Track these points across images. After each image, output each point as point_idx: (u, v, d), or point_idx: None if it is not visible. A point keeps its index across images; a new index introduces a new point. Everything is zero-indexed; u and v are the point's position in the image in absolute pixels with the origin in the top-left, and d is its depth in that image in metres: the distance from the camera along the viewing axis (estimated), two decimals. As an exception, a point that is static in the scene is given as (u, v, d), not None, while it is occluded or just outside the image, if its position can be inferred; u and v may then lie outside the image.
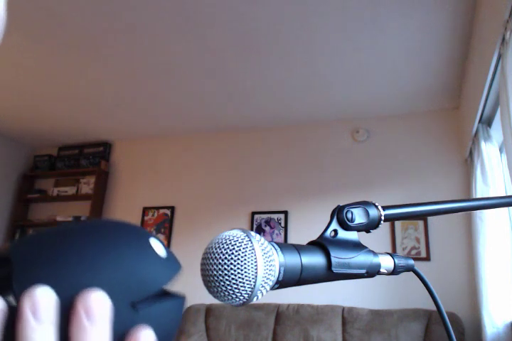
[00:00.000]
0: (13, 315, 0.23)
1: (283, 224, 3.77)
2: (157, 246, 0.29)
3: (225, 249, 0.35)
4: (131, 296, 0.26)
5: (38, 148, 4.96)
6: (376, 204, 0.48)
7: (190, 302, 3.65)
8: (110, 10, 2.51)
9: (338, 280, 0.43)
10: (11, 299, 0.23)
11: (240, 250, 0.35)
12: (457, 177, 3.44)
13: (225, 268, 0.34)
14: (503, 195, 2.73)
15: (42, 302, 0.23)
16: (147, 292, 0.27)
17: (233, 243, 0.35)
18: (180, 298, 0.30)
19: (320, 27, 2.61)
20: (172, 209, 4.17)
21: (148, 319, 0.27)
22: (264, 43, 2.80)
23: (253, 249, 0.35)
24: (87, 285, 0.24)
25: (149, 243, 0.29)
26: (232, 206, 4.00)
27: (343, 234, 0.45)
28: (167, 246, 4.02)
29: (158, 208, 4.22)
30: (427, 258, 3.30)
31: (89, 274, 0.25)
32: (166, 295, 0.29)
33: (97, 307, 0.24)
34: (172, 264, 0.30)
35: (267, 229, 3.79)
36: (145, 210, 4.25)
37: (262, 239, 0.37)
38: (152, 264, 0.28)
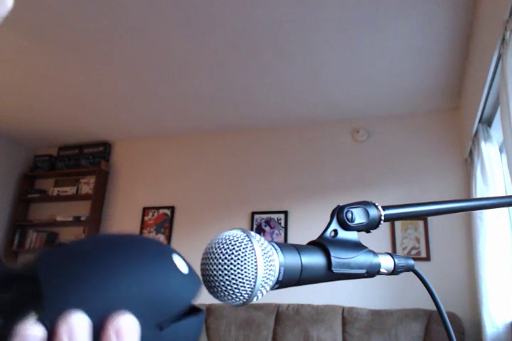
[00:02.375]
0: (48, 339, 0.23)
1: (283, 224, 3.77)
2: (180, 263, 0.30)
3: (225, 249, 0.35)
4: (158, 317, 0.27)
5: (38, 148, 4.96)
6: (376, 204, 0.48)
7: (190, 302, 3.65)
8: (110, 10, 2.51)
9: (338, 280, 0.43)
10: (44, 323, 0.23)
11: (240, 250, 0.35)
12: (457, 177, 3.44)
13: (225, 268, 0.34)
14: (503, 195, 2.73)
15: (78, 328, 0.23)
16: (173, 312, 0.27)
17: (233, 243, 0.35)
18: (201, 314, 0.30)
19: (320, 27, 2.61)
20: (172, 209, 4.17)
21: (173, 338, 0.27)
22: (264, 43, 2.80)
23: (253, 249, 0.35)
24: (117, 308, 0.25)
25: (173, 261, 0.29)
26: (232, 206, 4.00)
27: (343, 234, 0.45)
28: (167, 246, 4.02)
29: (158, 208, 4.22)
30: (427, 258, 3.30)
31: (118, 296, 0.25)
32: (189, 311, 0.29)
33: (127, 330, 0.24)
34: (194, 280, 0.30)
35: (267, 229, 3.79)
36: (145, 210, 4.25)
37: (262, 239, 0.37)
38: (177, 284, 0.28)
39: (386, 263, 0.47)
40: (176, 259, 0.29)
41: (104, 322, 0.24)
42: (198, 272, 0.36)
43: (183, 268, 0.29)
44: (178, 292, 0.28)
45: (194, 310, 0.30)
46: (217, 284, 0.35)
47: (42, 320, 0.23)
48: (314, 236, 0.44)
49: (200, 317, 0.30)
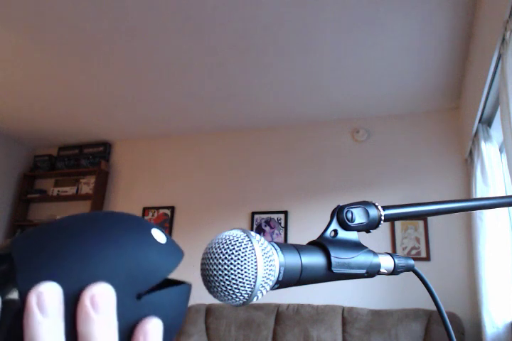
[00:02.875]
0: (20, 311, 0.23)
1: (283, 224, 3.77)
2: (159, 235, 0.29)
3: (225, 249, 0.35)
4: (136, 287, 0.26)
5: (38, 148, 4.96)
6: (376, 204, 0.48)
7: (190, 302, 3.64)
8: (110, 10, 2.51)
9: (338, 280, 0.43)
10: (16, 296, 0.24)
11: (240, 250, 0.35)
12: (457, 177, 3.44)
13: (225, 268, 0.34)
14: (503, 195, 2.73)
15: (48, 297, 0.23)
16: (152, 281, 0.27)
17: (233, 243, 0.35)
18: (184, 285, 0.30)
19: (320, 27, 2.61)
20: (172, 209, 4.17)
21: (153, 307, 0.27)
22: (264, 43, 2.80)
23: (253, 249, 0.35)
24: (92, 279, 0.25)
25: (151, 233, 0.29)
26: (232, 206, 4.00)
27: (343, 234, 0.45)
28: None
29: (158, 208, 4.22)
30: (427, 258, 3.30)
31: (93, 267, 0.25)
32: (171, 283, 0.29)
33: (103, 299, 0.24)
34: (174, 252, 0.30)
35: (267, 229, 3.79)
36: (145, 210, 4.25)
37: (262, 239, 0.37)
38: (155, 254, 0.28)
39: (386, 263, 0.47)
40: (155, 232, 0.29)
41: (80, 292, 0.24)
42: (198, 272, 0.36)
43: (161, 240, 0.29)
44: (155, 262, 0.28)
45: (178, 283, 0.30)
46: (217, 284, 0.35)
47: (14, 292, 0.23)
48: (314, 236, 0.44)
49: (183, 288, 0.30)
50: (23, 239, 0.26)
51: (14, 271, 0.24)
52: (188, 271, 4.02)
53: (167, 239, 0.30)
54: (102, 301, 0.24)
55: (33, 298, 0.23)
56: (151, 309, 0.27)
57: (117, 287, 0.25)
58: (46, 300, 0.23)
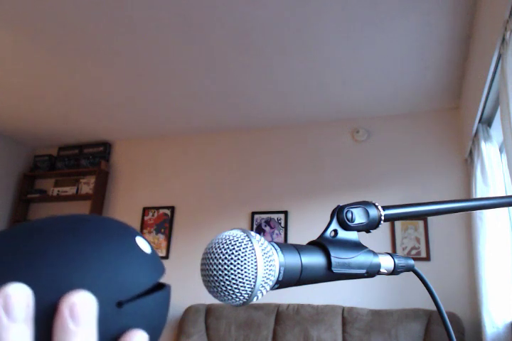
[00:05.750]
0: None
1: (283, 224, 3.77)
2: (143, 245, 0.28)
3: (225, 249, 0.35)
4: (118, 295, 0.25)
5: (38, 148, 4.96)
6: (376, 204, 0.48)
7: (190, 302, 3.65)
8: (110, 10, 2.51)
9: (338, 280, 0.43)
10: None
11: (240, 250, 0.35)
12: (457, 177, 3.44)
13: (225, 268, 0.34)
14: (503, 195, 2.73)
15: (15, 299, 0.22)
16: (134, 291, 0.26)
17: (233, 243, 0.35)
18: (165, 289, 0.29)
19: (320, 27, 2.62)
20: (172, 209, 4.17)
21: (136, 316, 0.26)
22: (264, 43, 2.80)
23: (253, 249, 0.35)
24: (72, 286, 0.23)
25: (135, 242, 0.28)
26: (232, 206, 4.00)
27: (343, 234, 0.45)
28: (167, 246, 4.02)
29: (158, 208, 4.22)
30: (427, 258, 3.30)
31: (72, 273, 0.24)
32: (153, 289, 0.28)
33: (83, 308, 0.23)
34: (158, 263, 0.29)
35: (267, 229, 3.79)
36: (145, 210, 4.25)
37: (262, 239, 0.37)
38: (139, 263, 0.27)
39: (386, 263, 0.47)
40: (140, 241, 0.28)
41: (58, 300, 0.23)
42: (198, 272, 0.36)
43: (146, 249, 0.28)
44: (138, 270, 0.27)
45: (159, 287, 0.29)
46: (217, 284, 0.35)
47: None
48: (314, 236, 0.44)
49: (164, 293, 0.29)
50: (0, 238, 0.25)
51: None
52: (187, 272, 4.04)
53: (151, 249, 0.29)
54: (82, 312, 0.22)
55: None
56: (133, 318, 0.25)
57: (98, 295, 0.24)
58: (13, 304, 0.21)
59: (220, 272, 0.35)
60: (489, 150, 2.76)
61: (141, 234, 0.29)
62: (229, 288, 0.34)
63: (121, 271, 0.26)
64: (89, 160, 4.57)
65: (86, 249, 0.25)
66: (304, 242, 0.44)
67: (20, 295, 0.22)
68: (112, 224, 0.29)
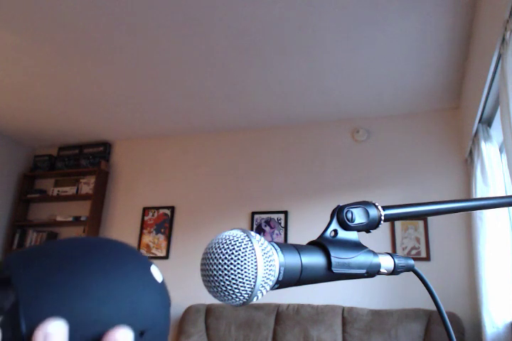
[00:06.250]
0: None
1: (283, 224, 3.77)
2: (157, 274, 0.31)
3: (225, 249, 0.35)
4: (141, 326, 0.27)
5: (38, 148, 4.96)
6: (376, 204, 0.48)
7: (190, 302, 3.65)
8: (110, 10, 2.51)
9: (338, 280, 0.43)
10: (22, 328, 0.23)
11: (240, 250, 0.35)
12: (457, 177, 3.44)
13: (225, 268, 0.34)
14: (503, 195, 2.73)
15: (55, 336, 0.23)
16: (153, 321, 0.28)
17: (233, 243, 0.35)
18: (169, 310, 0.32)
19: (320, 27, 2.62)
20: (172, 209, 4.17)
21: (151, 340, 0.28)
22: (264, 43, 2.80)
23: (253, 249, 0.35)
24: (104, 321, 0.25)
25: (151, 272, 0.30)
26: (232, 206, 4.00)
27: (343, 234, 0.45)
28: (167, 246, 4.02)
29: (158, 208, 4.22)
30: (427, 258, 3.30)
31: (105, 310, 0.25)
32: None
33: None
34: (167, 291, 0.32)
35: (267, 229, 3.79)
36: (145, 210, 4.25)
37: (262, 239, 0.37)
38: (156, 294, 0.29)
39: (386, 263, 0.47)
40: (154, 271, 0.31)
41: (101, 335, 0.24)
42: (198, 272, 0.36)
43: (159, 278, 0.31)
44: (156, 302, 0.29)
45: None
46: (217, 284, 0.35)
47: (18, 326, 0.23)
48: (314, 236, 0.44)
49: (169, 319, 0.32)
50: (23, 263, 0.25)
51: (16, 302, 0.23)
52: (187, 272, 4.03)
53: (162, 277, 0.32)
54: None
55: (40, 337, 0.23)
56: None
57: (130, 328, 0.26)
58: (52, 339, 0.23)
59: (220, 272, 0.34)
60: (489, 150, 2.76)
61: (152, 262, 0.32)
62: (229, 288, 0.34)
63: (143, 306, 0.28)
64: (89, 160, 4.57)
65: (114, 286, 0.26)
66: (304, 242, 0.44)
67: (59, 333, 0.23)
68: (131, 255, 0.30)
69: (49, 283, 0.24)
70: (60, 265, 0.26)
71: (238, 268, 0.34)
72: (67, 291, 0.24)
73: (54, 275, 0.25)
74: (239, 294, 0.35)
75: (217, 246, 0.36)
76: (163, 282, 0.31)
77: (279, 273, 0.37)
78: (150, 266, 0.30)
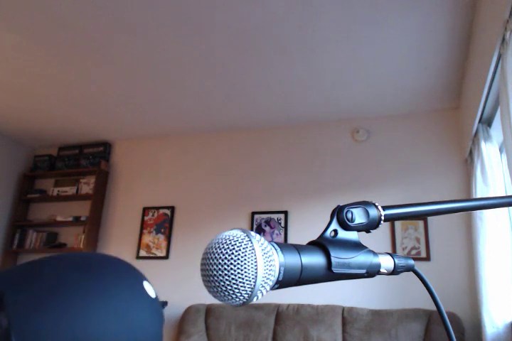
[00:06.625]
0: None
1: (283, 224, 3.77)
2: (149, 290, 0.31)
3: (225, 249, 0.35)
4: None
5: (38, 148, 4.96)
6: (376, 204, 0.48)
7: (190, 302, 3.65)
8: (110, 11, 2.51)
9: (338, 280, 0.43)
10: None
11: (240, 250, 0.35)
12: (457, 177, 3.44)
13: (225, 268, 0.34)
14: (503, 195, 2.73)
15: None
16: (147, 337, 0.28)
17: (233, 243, 0.35)
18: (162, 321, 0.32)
19: (320, 27, 2.62)
20: (172, 209, 4.17)
21: None
22: (264, 43, 2.80)
23: (253, 249, 0.35)
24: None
25: (144, 288, 0.30)
26: (232, 206, 4.00)
27: (343, 234, 0.45)
28: (167, 246, 4.02)
29: (158, 208, 4.22)
30: (427, 258, 3.30)
31: (96, 329, 0.25)
32: None
33: None
34: (160, 306, 0.32)
35: (267, 229, 3.79)
36: (145, 210, 4.25)
37: (262, 239, 0.37)
38: (150, 312, 0.29)
39: (386, 263, 0.47)
40: (147, 286, 0.30)
41: None
42: (198, 272, 0.36)
43: (151, 294, 0.30)
44: (149, 317, 0.29)
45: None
46: (217, 284, 0.35)
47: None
48: (314, 236, 0.44)
49: (162, 323, 0.32)
50: (14, 286, 0.25)
51: (8, 327, 0.23)
52: (187, 272, 4.03)
53: (154, 293, 0.32)
54: None
55: None
56: None
57: None
58: None
59: (220, 272, 0.34)
60: (489, 150, 2.76)
61: (145, 276, 0.31)
62: (229, 288, 0.34)
63: (136, 325, 0.28)
64: (89, 160, 4.57)
65: (106, 308, 0.26)
66: (304, 242, 0.44)
67: None
68: (123, 272, 0.30)
69: (40, 307, 0.24)
70: (50, 287, 0.25)
71: (238, 268, 0.34)
72: (58, 314, 0.24)
73: (45, 299, 0.24)
74: (239, 294, 0.35)
75: (217, 246, 0.36)
76: (156, 298, 0.31)
77: (279, 273, 0.37)
78: (142, 282, 0.30)
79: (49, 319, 0.23)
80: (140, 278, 0.30)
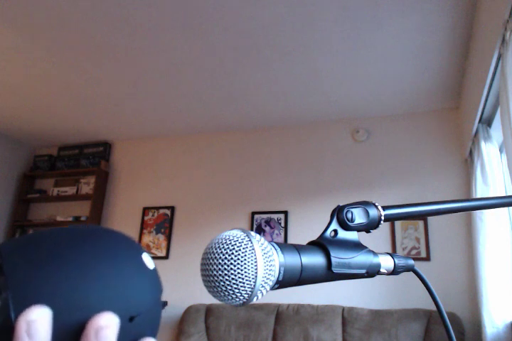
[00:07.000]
0: (9, 331, 0.23)
1: (283, 224, 3.77)
2: (148, 261, 0.31)
3: (225, 249, 0.35)
4: (130, 312, 0.27)
5: (38, 148, 4.96)
6: (376, 204, 0.48)
7: (190, 302, 3.65)
8: (110, 10, 2.51)
9: (338, 280, 0.43)
10: (11, 314, 0.23)
11: (240, 250, 0.35)
12: (457, 177, 3.44)
13: (225, 268, 0.34)
14: (503, 195, 2.73)
15: (38, 325, 0.22)
16: (143, 307, 0.28)
17: (233, 243, 0.35)
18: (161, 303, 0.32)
19: (320, 27, 2.61)
20: (172, 209, 4.17)
21: (142, 326, 0.28)
22: (264, 43, 2.80)
23: (253, 249, 0.35)
24: (92, 307, 0.25)
25: (142, 260, 0.30)
26: (232, 206, 4.00)
27: (343, 234, 0.45)
28: (167, 246, 4.02)
29: (158, 208, 4.22)
30: (427, 258, 3.30)
31: (92, 295, 0.25)
32: None
33: (110, 332, 0.24)
34: (159, 279, 0.32)
35: (267, 229, 3.79)
36: (145, 210, 4.25)
37: (262, 239, 0.37)
38: (147, 281, 0.29)
39: (386, 263, 0.47)
40: (145, 258, 0.30)
41: (85, 322, 0.24)
42: (198, 272, 0.36)
43: (150, 265, 0.30)
44: (146, 288, 0.29)
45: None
46: (217, 284, 0.35)
47: (7, 312, 0.23)
48: (314, 236, 0.44)
49: (160, 305, 0.32)
50: (15, 250, 0.25)
51: (6, 289, 0.23)
52: (187, 272, 4.03)
53: (154, 265, 0.32)
54: (109, 335, 0.24)
55: (23, 325, 0.22)
56: (142, 328, 0.28)
57: (116, 314, 0.26)
58: (36, 329, 0.22)
59: (220, 272, 0.34)
60: (489, 150, 2.76)
61: (144, 248, 0.31)
62: (229, 288, 0.34)
63: (132, 291, 0.28)
64: (89, 160, 4.57)
65: (102, 271, 0.26)
66: (304, 242, 0.44)
67: (43, 320, 0.23)
68: (122, 241, 0.30)
69: (38, 270, 0.24)
70: (49, 253, 0.26)
71: (238, 268, 0.34)
72: (55, 278, 0.24)
73: (43, 263, 0.25)
74: (239, 294, 0.35)
75: (217, 246, 0.36)
76: (154, 269, 0.31)
77: (279, 273, 0.37)
78: (141, 253, 0.30)
79: (42, 282, 0.24)
80: (138, 250, 0.30)
